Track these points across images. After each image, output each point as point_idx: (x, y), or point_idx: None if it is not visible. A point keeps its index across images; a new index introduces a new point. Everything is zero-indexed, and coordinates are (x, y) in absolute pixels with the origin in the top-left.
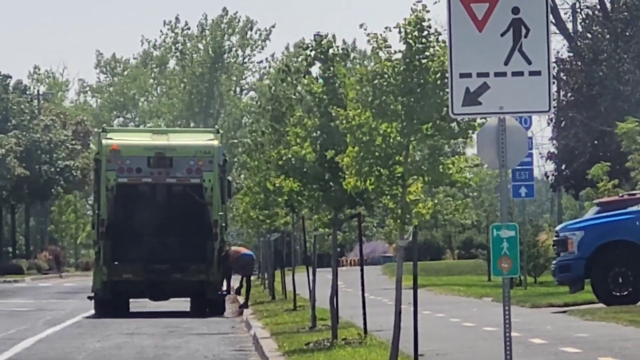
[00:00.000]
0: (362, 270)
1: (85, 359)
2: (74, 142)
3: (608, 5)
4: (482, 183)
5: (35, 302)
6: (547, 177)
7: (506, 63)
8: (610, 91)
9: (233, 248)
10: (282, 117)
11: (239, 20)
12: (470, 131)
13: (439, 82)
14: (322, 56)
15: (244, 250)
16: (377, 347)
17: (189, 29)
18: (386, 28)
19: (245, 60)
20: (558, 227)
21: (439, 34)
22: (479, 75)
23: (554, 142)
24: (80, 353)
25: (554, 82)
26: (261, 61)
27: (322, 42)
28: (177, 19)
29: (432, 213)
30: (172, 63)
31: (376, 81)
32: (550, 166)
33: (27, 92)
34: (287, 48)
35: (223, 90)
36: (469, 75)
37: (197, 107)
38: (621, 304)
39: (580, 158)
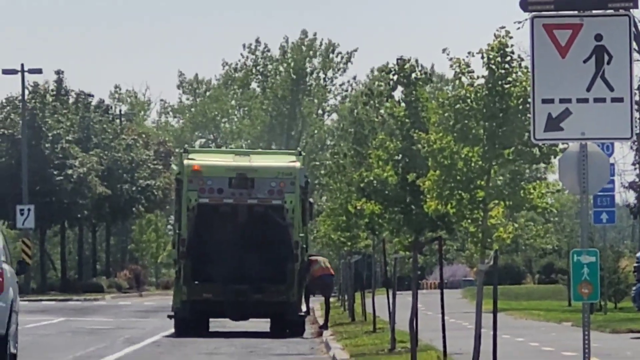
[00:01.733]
0: (442, 293)
1: None
2: (155, 162)
3: None
4: (563, 208)
5: (114, 321)
6: (630, 207)
7: (588, 89)
8: None
9: (316, 258)
10: (364, 140)
11: (320, 43)
12: (551, 156)
13: (521, 107)
14: (404, 80)
15: (325, 270)
16: None
17: (268, 51)
18: (469, 53)
19: (327, 82)
20: (639, 254)
21: (522, 59)
22: (562, 101)
23: (636, 168)
24: None
25: (636, 109)
26: (343, 84)
27: (405, 66)
28: (257, 41)
29: (513, 237)
30: (253, 85)
31: (458, 105)
32: (631, 195)
33: (109, 112)
34: (372, 71)
35: (305, 112)
36: (551, 101)
37: (278, 129)
38: None
39: None
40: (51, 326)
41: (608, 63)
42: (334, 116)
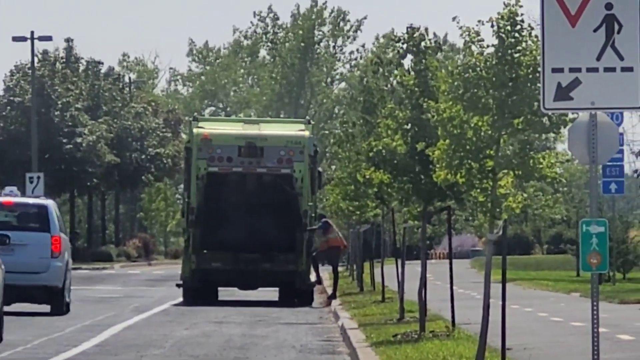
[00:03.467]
0: (451, 263)
1: (172, 347)
2: (164, 130)
3: None
4: (572, 178)
5: (123, 289)
6: (638, 174)
7: (598, 59)
8: None
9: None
10: (373, 109)
11: (331, 11)
12: (561, 126)
13: (530, 76)
14: (414, 49)
15: (339, 241)
16: (465, 340)
17: (278, 19)
18: (479, 22)
19: (336, 51)
20: None
21: (532, 28)
22: (571, 70)
23: None
24: (167, 340)
25: None
26: (352, 52)
27: (415, 35)
28: (269, 9)
29: (522, 207)
30: (262, 53)
31: (467, 74)
32: None
33: (119, 80)
34: (377, 39)
35: (314, 81)
36: (561, 70)
37: (287, 98)
38: None
39: None
40: None
41: (618, 32)
42: (343, 85)
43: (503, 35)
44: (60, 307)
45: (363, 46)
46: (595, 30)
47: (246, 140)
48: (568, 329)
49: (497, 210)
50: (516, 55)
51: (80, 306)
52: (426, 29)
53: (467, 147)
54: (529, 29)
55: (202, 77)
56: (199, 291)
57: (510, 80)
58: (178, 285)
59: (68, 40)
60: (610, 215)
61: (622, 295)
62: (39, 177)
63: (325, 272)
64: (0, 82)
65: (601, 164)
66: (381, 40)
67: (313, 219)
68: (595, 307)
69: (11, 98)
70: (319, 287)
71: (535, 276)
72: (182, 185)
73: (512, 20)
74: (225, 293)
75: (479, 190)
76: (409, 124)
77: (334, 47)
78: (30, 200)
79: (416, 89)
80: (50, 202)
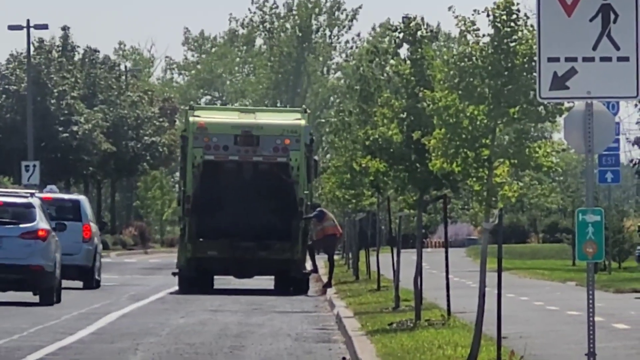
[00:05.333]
0: (446, 252)
1: (168, 335)
2: (160, 118)
3: None
4: (568, 168)
5: (119, 278)
6: (634, 163)
7: (594, 48)
8: None
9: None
10: (369, 98)
11: (326, 0)
12: (557, 115)
13: (526, 65)
14: (410, 38)
15: (335, 229)
16: (460, 328)
17: (277, 7)
18: (474, 11)
19: (332, 40)
20: None
21: (528, 18)
22: (567, 59)
23: None
24: (163, 329)
25: None
26: (348, 41)
27: (411, 24)
28: None
29: (518, 196)
30: (258, 42)
31: (463, 63)
32: (636, 152)
33: (115, 68)
34: (373, 28)
35: (310, 70)
36: (557, 59)
37: (283, 87)
38: None
39: None
40: None
41: (614, 22)
42: (339, 74)
43: (499, 25)
44: (90, 283)
45: (358, 35)
46: (591, 20)
47: (242, 129)
48: (564, 317)
49: (493, 199)
50: (512, 44)
51: (76, 294)
52: (422, 19)
53: (463, 136)
54: (524, 18)
55: (198, 66)
56: (194, 279)
57: (506, 69)
58: (174, 274)
59: (64, 28)
60: (606, 204)
61: (618, 284)
62: (34, 166)
63: (321, 260)
64: None
65: (597, 153)
66: (377, 29)
67: (309, 208)
68: (590, 296)
69: (7, 86)
70: (314, 275)
71: (530, 265)
72: (178, 174)
73: (508, 10)
74: (221, 281)
75: (474, 179)
76: (405, 113)
77: (330, 36)
78: (66, 196)
79: (412, 78)
80: (82, 197)
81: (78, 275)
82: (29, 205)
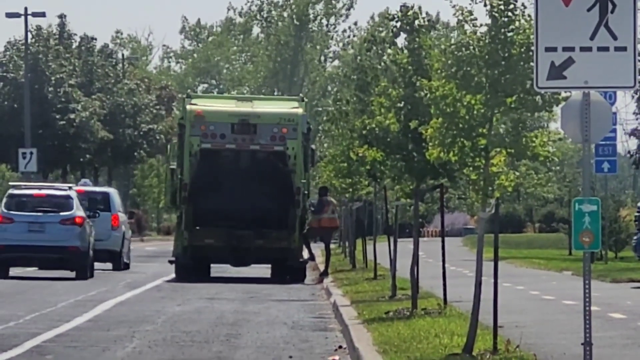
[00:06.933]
0: (443, 241)
1: (164, 323)
2: (157, 106)
3: None
4: (564, 157)
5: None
6: (630, 154)
7: (592, 38)
8: None
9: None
10: (367, 87)
11: None
12: (554, 105)
13: (524, 55)
14: (407, 27)
15: (332, 222)
16: (457, 317)
17: None
18: (472, 1)
19: (330, 29)
20: None
21: (525, 7)
22: (565, 49)
23: (638, 117)
24: (159, 316)
25: (639, 58)
26: (345, 30)
27: (408, 13)
28: None
29: (515, 185)
30: (255, 30)
31: (461, 53)
32: (633, 142)
33: (112, 56)
34: (372, 18)
35: (307, 58)
36: (554, 49)
37: (281, 75)
38: None
39: None
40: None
41: (612, 12)
42: (336, 63)
43: (496, 14)
44: (119, 265)
45: (355, 24)
46: (589, 10)
47: (239, 117)
48: (560, 307)
49: (490, 188)
50: (509, 34)
51: (72, 281)
52: (420, 8)
53: (460, 125)
54: (522, 8)
55: (195, 55)
56: (191, 267)
57: (503, 59)
58: (170, 262)
59: (61, 16)
60: (602, 194)
61: (614, 274)
62: (31, 153)
63: (318, 249)
64: None
65: (594, 143)
66: (377, 19)
67: (306, 196)
68: (587, 286)
69: (4, 74)
70: (311, 264)
71: (527, 254)
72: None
73: (506, 0)
74: (218, 269)
75: (471, 168)
76: (402, 102)
77: (327, 25)
78: (97, 189)
79: (409, 67)
80: (111, 190)
81: (108, 258)
82: (67, 197)
